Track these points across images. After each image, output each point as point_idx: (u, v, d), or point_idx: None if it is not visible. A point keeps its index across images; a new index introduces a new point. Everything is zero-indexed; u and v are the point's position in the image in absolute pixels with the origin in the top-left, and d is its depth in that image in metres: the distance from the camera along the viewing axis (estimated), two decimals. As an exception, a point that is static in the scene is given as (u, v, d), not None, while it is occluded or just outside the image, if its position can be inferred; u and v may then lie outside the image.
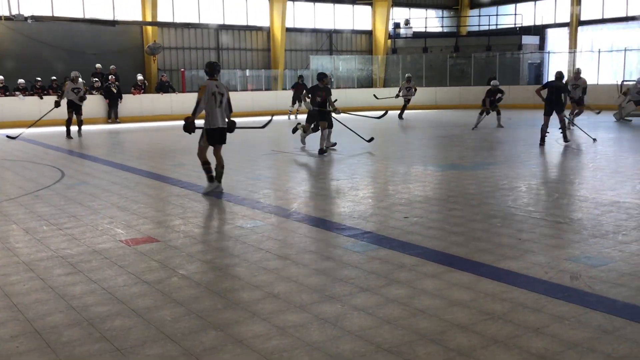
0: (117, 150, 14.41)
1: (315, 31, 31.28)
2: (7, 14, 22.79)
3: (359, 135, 12.84)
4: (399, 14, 33.67)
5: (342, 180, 8.82)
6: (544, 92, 13.62)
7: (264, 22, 29.40)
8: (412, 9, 34.24)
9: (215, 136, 7.71)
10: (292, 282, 4.36)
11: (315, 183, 8.52)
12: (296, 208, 6.97)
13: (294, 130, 13.06)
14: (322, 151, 11.64)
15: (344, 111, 13.74)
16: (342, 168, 10.20)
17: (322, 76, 12.26)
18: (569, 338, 3.35)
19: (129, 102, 22.27)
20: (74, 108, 15.93)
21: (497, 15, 34.05)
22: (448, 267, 4.65)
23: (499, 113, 17.39)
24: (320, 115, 12.05)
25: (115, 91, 21.57)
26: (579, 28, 30.30)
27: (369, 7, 32.36)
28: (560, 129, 13.48)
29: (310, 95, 12.29)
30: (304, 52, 30.94)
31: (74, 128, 16.14)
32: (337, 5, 31.65)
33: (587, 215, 6.28)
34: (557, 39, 31.51)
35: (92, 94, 20.56)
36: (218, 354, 3.25)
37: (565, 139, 13.23)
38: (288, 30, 29.68)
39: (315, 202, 7.23)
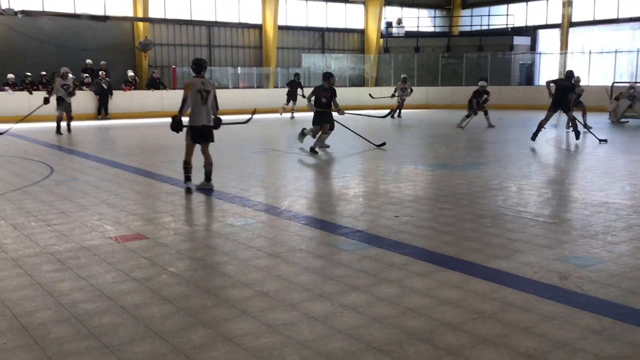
0: (107, 146, 14.34)
1: (307, 29, 31.27)
2: (-3, 8, 22.65)
3: (368, 141, 12.51)
4: (392, 13, 33.72)
5: (333, 179, 8.81)
6: (552, 89, 13.83)
7: (256, 20, 29.35)
8: (405, 8, 34.31)
9: (198, 134, 7.61)
10: (282, 280, 4.36)
11: (306, 181, 8.51)
12: (287, 206, 6.96)
13: (302, 136, 12.19)
14: (313, 150, 11.51)
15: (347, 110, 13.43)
16: (333, 167, 10.19)
17: (327, 76, 11.76)
18: (558, 338, 3.37)
19: (120, 98, 22.16)
20: (63, 105, 15.83)
21: (489, 15, 34.19)
22: (438, 266, 4.66)
23: (486, 113, 17.48)
24: (324, 117, 11.62)
25: (105, 87, 21.46)
26: (570, 29, 30.47)
27: (361, 6, 32.38)
28: (571, 127, 13.69)
29: (314, 96, 11.75)
30: (296, 50, 30.92)
31: (63, 124, 16.04)
32: (330, 4, 31.66)
33: (577, 216, 6.31)
34: (548, 40, 31.67)
35: (82, 89, 20.43)
36: (207, 351, 3.24)
37: (577, 136, 13.39)
38: (280, 28, 29.65)
39: (306, 201, 7.22)
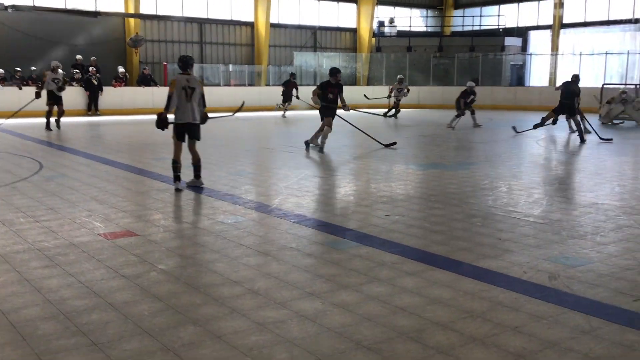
0: (97, 143, 14.26)
1: (299, 27, 31.23)
2: (-14, 3, 22.47)
3: (376, 140, 12.44)
4: (384, 12, 33.75)
5: (324, 178, 8.81)
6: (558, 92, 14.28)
7: (248, 17, 29.28)
8: (397, 8, 34.36)
9: (183, 131, 7.54)
10: (272, 279, 4.35)
11: (297, 180, 8.50)
12: (278, 204, 6.95)
13: (320, 148, 11.46)
14: (307, 144, 11.39)
15: (353, 108, 13.14)
16: (325, 165, 10.19)
17: (335, 71, 11.51)
18: (547, 337, 3.38)
19: (110, 95, 22.04)
20: (54, 99, 15.73)
21: (480, 16, 34.30)
22: (428, 265, 4.67)
23: (473, 113, 17.62)
24: (332, 111, 11.42)
25: (96, 83, 21.34)
26: (561, 31, 30.63)
27: (353, 5, 32.39)
28: (576, 130, 13.81)
29: (320, 92, 11.45)
30: (287, 48, 30.89)
31: (53, 120, 15.94)
32: (322, 2, 31.64)
33: (566, 216, 6.34)
34: (539, 41, 31.83)
35: (72, 85, 20.32)
36: (196, 349, 3.23)
37: (582, 139, 13.53)
38: (272, 25, 29.60)
39: (297, 199, 7.21)
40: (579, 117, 14.09)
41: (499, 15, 33.40)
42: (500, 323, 3.57)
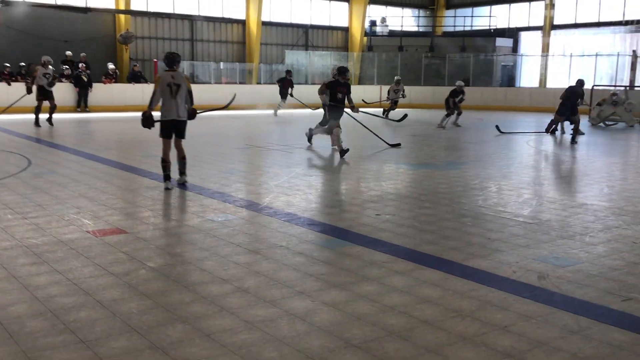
0: (86, 139, 14.18)
1: (291, 26, 31.19)
2: (-25, -3, 22.28)
3: (382, 140, 12.42)
4: (376, 11, 33.77)
5: (314, 177, 8.80)
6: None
7: (239, 15, 29.21)
8: (389, 7, 34.39)
9: (169, 128, 7.49)
10: (262, 277, 4.33)
11: (287, 178, 8.49)
12: (268, 203, 6.93)
13: (343, 153, 10.76)
14: (343, 152, 10.60)
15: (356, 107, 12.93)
16: (315, 164, 10.18)
17: (344, 70, 11.15)
18: (536, 337, 3.39)
19: (100, 91, 21.92)
20: (45, 94, 15.62)
21: (472, 16, 34.41)
22: (418, 264, 4.67)
23: (459, 113, 17.74)
24: (338, 112, 11.08)
25: (85, 79, 21.21)
26: (552, 32, 30.79)
27: (345, 4, 32.39)
28: (572, 130, 13.96)
29: (329, 91, 11.02)
30: (279, 47, 30.84)
31: (43, 116, 15.82)
32: (314, 1, 31.61)
33: (555, 217, 6.37)
34: (530, 42, 31.97)
35: (61, 81, 20.19)
36: (185, 347, 3.21)
37: (573, 140, 13.61)
38: (264, 23, 29.54)
39: (287, 197, 7.20)
40: (578, 117, 14.28)
41: (490, 16, 33.51)
42: (489, 322, 3.57)
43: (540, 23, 31.11)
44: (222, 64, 28.29)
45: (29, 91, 15.28)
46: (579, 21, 30.06)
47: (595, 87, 21.47)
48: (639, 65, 25.57)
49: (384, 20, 33.64)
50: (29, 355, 3.10)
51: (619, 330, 3.48)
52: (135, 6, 26.21)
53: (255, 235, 5.59)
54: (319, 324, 3.52)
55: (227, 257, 4.78)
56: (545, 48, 30.67)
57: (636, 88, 21.23)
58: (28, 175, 8.41)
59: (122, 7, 25.61)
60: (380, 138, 12.48)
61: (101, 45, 25.50)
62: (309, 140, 11.98)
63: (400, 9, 34.91)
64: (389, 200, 7.18)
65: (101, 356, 3.10)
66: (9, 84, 19.79)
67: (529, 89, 28.75)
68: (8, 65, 21.24)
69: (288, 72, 22.17)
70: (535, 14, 31.76)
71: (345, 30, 32.76)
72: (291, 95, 21.14)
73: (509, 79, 31.49)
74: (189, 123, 7.73)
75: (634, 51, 25.80)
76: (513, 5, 32.76)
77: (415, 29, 36.07)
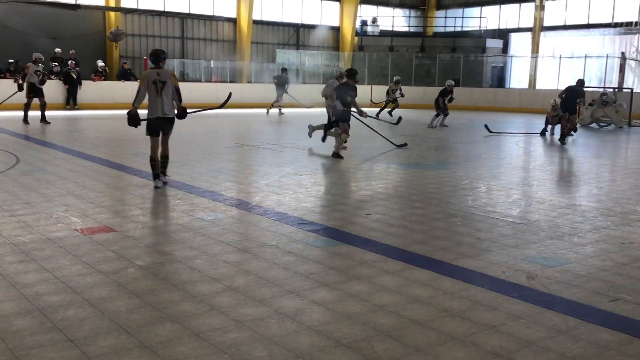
0: (75, 137, 14.09)
1: (282, 25, 31.16)
2: (-37, -7, 22.08)
3: (388, 140, 12.39)
4: (367, 11, 33.80)
5: (305, 176, 8.79)
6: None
7: (230, 13, 29.14)
8: (380, 7, 34.42)
9: (155, 126, 7.43)
10: (252, 276, 4.32)
11: (278, 177, 8.47)
12: (258, 202, 6.92)
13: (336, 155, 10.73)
14: (337, 155, 10.57)
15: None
16: (306, 163, 10.17)
17: (354, 73, 10.85)
18: (525, 337, 3.40)
19: (89, 89, 21.79)
20: (35, 92, 15.51)
21: (462, 17, 34.52)
22: (408, 264, 4.68)
23: (446, 114, 17.84)
24: (348, 115, 10.68)
25: (75, 77, 21.08)
26: (542, 33, 30.94)
27: (336, 4, 32.39)
28: (564, 129, 14.05)
29: (340, 95, 10.57)
30: (270, 46, 30.80)
31: (32, 113, 15.70)
32: (305, 0, 31.59)
33: (544, 217, 6.40)
34: (520, 44, 32.12)
35: (51, 78, 20.05)
36: (174, 346, 3.19)
37: (563, 139, 13.71)
38: (255, 22, 29.49)
39: (278, 197, 7.19)
40: (575, 118, 14.42)
41: (480, 17, 33.63)
42: (478, 322, 3.58)
43: (530, 24, 31.26)
44: (212, 62, 28.21)
45: (20, 88, 15.16)
46: (568, 23, 30.24)
47: (584, 89, 21.56)
48: (628, 67, 25.76)
49: (374, 20, 33.68)
50: (16, 354, 3.07)
51: (607, 330, 3.51)
52: (125, 3, 26.08)
53: (245, 234, 5.58)
54: (308, 323, 3.52)
55: (216, 256, 4.77)
56: (535, 49, 30.82)
57: (625, 90, 21.36)
58: (16, 173, 8.34)
59: (112, 4, 25.48)
60: (387, 139, 12.48)
61: (91, 43, 25.35)
62: (339, 156, 11.04)
63: (391, 9, 34.96)
64: (379, 199, 7.19)
65: (89, 355, 3.08)
66: (-3, 81, 19.64)
67: (518, 90, 28.88)
68: (-4, 61, 21.09)
69: (284, 69, 22.08)
70: (525, 16, 31.91)
71: (337, 30, 32.76)
72: (286, 92, 21.10)
73: (499, 79, 31.63)
74: (180, 122, 7.70)
75: (622, 53, 25.99)
76: (503, 6, 32.90)
77: (406, 29, 36.13)
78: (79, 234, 5.31)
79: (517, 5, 32.31)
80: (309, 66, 30.63)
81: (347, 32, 32.31)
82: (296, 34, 31.61)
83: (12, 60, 21.50)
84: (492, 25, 33.00)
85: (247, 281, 4.21)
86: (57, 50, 22.48)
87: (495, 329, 3.50)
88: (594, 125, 19.23)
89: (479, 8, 34.07)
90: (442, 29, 35.30)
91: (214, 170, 9.04)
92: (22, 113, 15.71)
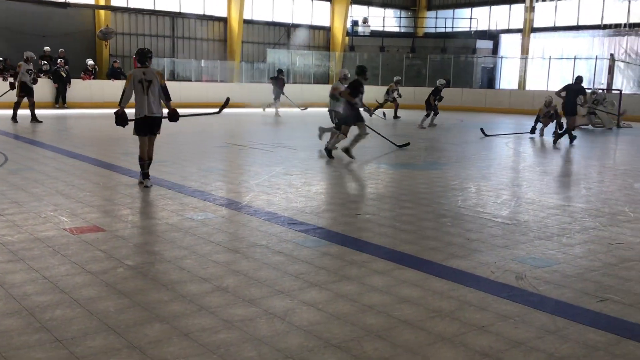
0: (64, 136, 14.01)
1: (273, 24, 31.12)
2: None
3: (390, 141, 12.37)
4: (358, 11, 33.83)
5: (295, 176, 8.78)
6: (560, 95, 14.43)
7: (221, 13, 29.07)
8: (371, 8, 34.46)
9: (142, 125, 7.38)
10: (241, 276, 4.31)
11: (268, 177, 8.46)
12: (248, 201, 6.91)
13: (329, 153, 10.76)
14: (329, 153, 10.56)
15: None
16: (296, 163, 10.16)
17: (365, 70, 10.63)
18: (513, 337, 3.41)
19: (78, 87, 21.67)
20: (27, 91, 15.42)
21: (453, 18, 34.62)
22: (398, 264, 4.68)
23: (436, 113, 17.91)
24: (357, 114, 10.39)
25: (64, 75, 20.95)
26: (532, 35, 31.09)
27: (327, 3, 32.39)
28: (560, 130, 14.06)
29: (353, 94, 10.35)
30: (261, 45, 30.75)
31: (21, 112, 15.59)
32: (296, 0, 31.56)
33: (534, 218, 6.43)
34: (510, 45, 32.26)
35: (39, 77, 19.92)
36: (163, 346, 3.18)
37: (555, 141, 13.78)
38: (246, 22, 29.43)
39: (268, 196, 7.18)
40: (574, 120, 14.42)
41: (470, 18, 33.75)
42: (467, 322, 3.59)
43: (520, 26, 31.40)
44: (203, 61, 28.14)
45: (12, 87, 15.08)
46: (558, 24, 30.40)
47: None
48: (617, 69, 25.93)
49: (365, 20, 33.71)
50: (3, 354, 3.05)
51: (595, 330, 3.53)
52: (115, 2, 25.95)
53: (235, 234, 5.57)
54: (298, 323, 3.52)
55: (206, 256, 4.76)
56: (525, 50, 30.97)
57: (614, 91, 21.51)
58: (4, 172, 8.28)
59: (102, 2, 25.34)
60: (388, 139, 12.48)
61: (80, 41, 25.21)
62: (330, 153, 11.33)
63: (382, 9, 35.01)
64: (369, 200, 7.19)
65: (77, 355, 3.06)
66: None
67: (508, 91, 29.00)
68: (-16, 60, 20.92)
69: (280, 71, 21.97)
70: (515, 17, 32.05)
71: (327, 30, 32.76)
72: (282, 94, 21.06)
73: (489, 80, 31.76)
74: (172, 123, 7.66)
75: (611, 55, 26.16)
76: (493, 7, 33.03)
77: (396, 29, 36.19)
78: (67, 234, 5.28)
79: (507, 6, 32.45)
80: (299, 66, 30.61)
81: (338, 32, 32.32)
82: (287, 34, 31.58)
83: (0, 59, 21.34)
84: (482, 26, 33.12)
85: (237, 281, 4.20)
86: (47, 48, 22.34)
87: (484, 329, 3.51)
88: (589, 126, 19.31)
89: (469, 9, 34.19)
90: (432, 30, 35.39)
91: (204, 169, 9.02)
92: (11, 112, 15.60)
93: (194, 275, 4.29)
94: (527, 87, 29.96)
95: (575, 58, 27.20)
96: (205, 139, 13.62)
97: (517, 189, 8.41)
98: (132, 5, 26.65)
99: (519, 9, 31.60)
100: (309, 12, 32.16)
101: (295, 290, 4.06)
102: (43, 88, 20.18)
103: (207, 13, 28.77)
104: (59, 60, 21.15)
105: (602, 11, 28.65)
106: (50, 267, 4.39)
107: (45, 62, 21.32)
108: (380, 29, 34.35)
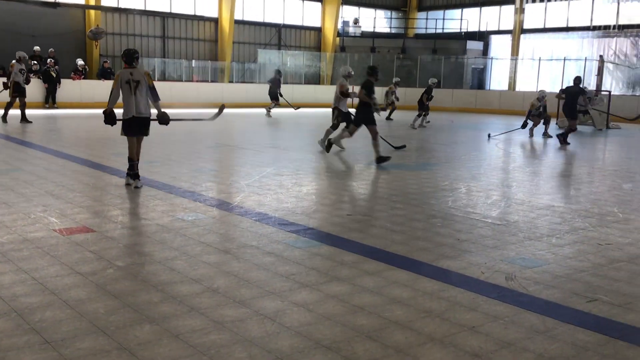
0: (54, 136, 13.94)
1: (264, 25, 31.09)
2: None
3: (388, 142, 12.38)
4: (349, 12, 33.87)
5: (286, 176, 8.78)
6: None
7: (212, 13, 29.02)
8: (362, 8, 34.51)
9: (130, 126, 7.35)
10: (232, 277, 4.31)
11: (258, 178, 8.46)
12: (239, 202, 6.90)
13: (323, 144, 11.30)
14: (324, 144, 11.08)
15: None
16: (287, 164, 10.16)
17: (376, 71, 10.66)
18: (503, 337, 3.43)
19: (68, 87, 21.57)
20: (19, 91, 15.34)
21: (443, 19, 34.72)
22: (388, 265, 4.69)
23: (427, 113, 18.00)
24: (371, 115, 10.34)
25: (54, 75, 20.85)
26: (522, 36, 31.23)
27: (318, 4, 32.40)
28: (562, 132, 14.13)
29: (368, 94, 10.34)
30: (252, 46, 30.72)
31: (12, 112, 15.51)
32: (287, 0, 31.56)
33: (523, 218, 6.46)
34: (500, 46, 32.40)
35: (31, 77, 19.82)
36: (153, 348, 3.17)
37: (563, 142, 13.94)
38: (237, 22, 29.40)
39: (258, 197, 7.17)
40: (574, 123, 14.47)
41: (461, 19, 33.87)
42: (457, 323, 3.61)
43: (510, 27, 31.54)
44: (193, 61, 28.08)
45: (6, 87, 15.00)
46: (548, 26, 30.56)
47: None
48: (606, 70, 26.08)
49: (356, 21, 33.75)
50: (-9, 357, 3.03)
51: (584, 330, 3.55)
52: (105, 2, 25.84)
53: (226, 234, 5.56)
54: (288, 324, 3.52)
55: (196, 257, 4.75)
56: (515, 51, 31.12)
57: (603, 92, 21.64)
58: (-7, 172, 8.23)
59: (92, 2, 25.23)
60: (386, 141, 12.48)
61: (70, 41, 25.08)
62: (336, 145, 11.45)
63: (373, 10, 35.07)
64: (360, 200, 7.20)
65: (67, 357, 3.04)
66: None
67: (498, 92, 29.13)
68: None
69: (278, 72, 21.88)
70: (505, 18, 32.20)
71: (318, 31, 32.78)
72: (280, 94, 21.01)
73: (479, 81, 31.89)
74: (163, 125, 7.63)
75: (600, 56, 26.30)
76: (484, 8, 33.16)
77: (387, 30, 36.26)
78: (57, 235, 5.25)
79: (497, 7, 32.60)
80: (290, 66, 30.60)
81: (329, 33, 32.34)
82: (278, 34, 31.56)
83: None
84: (473, 27, 33.26)
85: (228, 282, 4.20)
86: (36, 48, 22.22)
87: (475, 329, 3.52)
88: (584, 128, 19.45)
89: (459, 10, 34.31)
90: (423, 31, 35.48)
91: (194, 170, 9.00)
92: (1, 111, 15.51)
93: (184, 276, 4.28)
94: (517, 88, 30.10)
95: (565, 59, 27.35)
96: (195, 139, 13.58)
97: (507, 190, 8.44)
98: (122, 5, 26.55)
99: (509, 10, 31.75)
100: (300, 12, 32.16)
101: (286, 291, 4.06)
102: (33, 88, 20.04)
103: (198, 13, 28.72)
104: (49, 60, 21.04)
105: (592, 13, 28.83)
106: (39, 268, 4.37)
107: (35, 62, 21.18)
108: (371, 29, 34.40)
